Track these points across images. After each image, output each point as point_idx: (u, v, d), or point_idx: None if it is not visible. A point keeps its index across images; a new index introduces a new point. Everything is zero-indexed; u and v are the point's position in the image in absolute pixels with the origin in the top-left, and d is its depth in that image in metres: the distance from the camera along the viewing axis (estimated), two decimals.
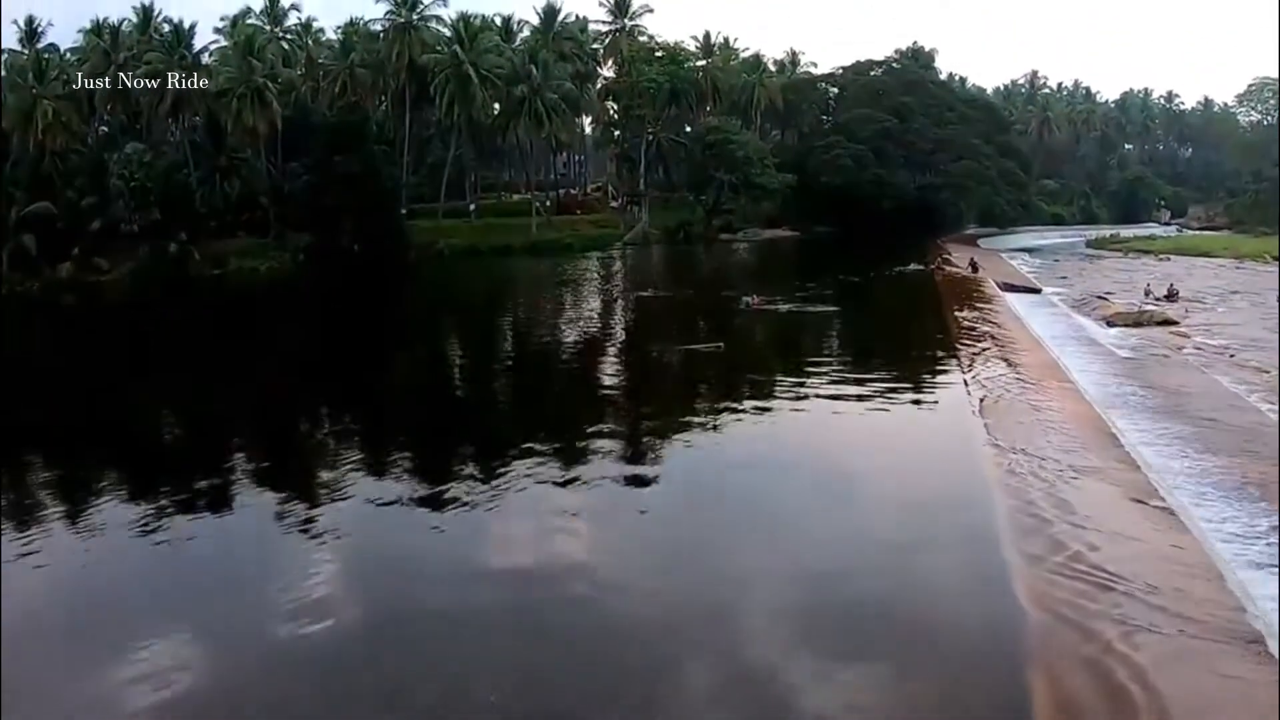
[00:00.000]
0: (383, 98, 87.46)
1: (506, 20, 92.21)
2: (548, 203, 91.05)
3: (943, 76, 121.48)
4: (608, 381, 28.46)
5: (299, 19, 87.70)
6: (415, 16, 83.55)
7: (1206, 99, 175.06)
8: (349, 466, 18.87)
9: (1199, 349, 35.97)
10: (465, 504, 16.09)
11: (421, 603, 12.39)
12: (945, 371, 27.85)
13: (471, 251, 73.37)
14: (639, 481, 17.50)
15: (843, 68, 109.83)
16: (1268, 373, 31.19)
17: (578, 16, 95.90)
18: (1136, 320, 42.17)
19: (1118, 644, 10.93)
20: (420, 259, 70.32)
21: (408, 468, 18.81)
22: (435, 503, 16.35)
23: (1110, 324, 41.48)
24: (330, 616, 11.87)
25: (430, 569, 13.60)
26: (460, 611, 12.06)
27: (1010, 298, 48.90)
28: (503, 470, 17.83)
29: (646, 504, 16.47)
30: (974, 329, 35.68)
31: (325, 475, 18.45)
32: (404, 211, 78.71)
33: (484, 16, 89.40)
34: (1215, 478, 18.64)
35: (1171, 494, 17.19)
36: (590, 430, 21.06)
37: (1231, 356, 34.38)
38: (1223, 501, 17.26)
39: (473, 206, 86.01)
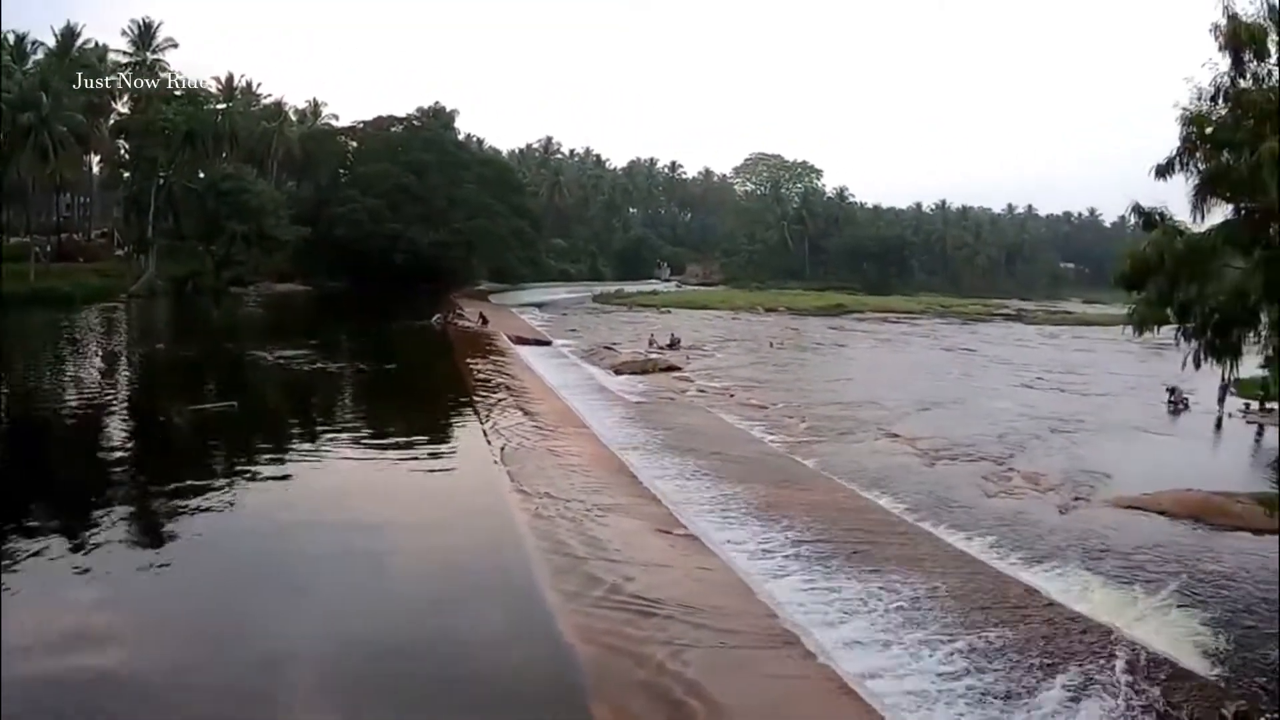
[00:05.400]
0: None
1: (21, 38, 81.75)
2: (48, 248, 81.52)
3: (462, 137, 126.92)
4: (113, 450, 25.19)
5: None
6: None
7: (707, 169, 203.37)
8: None
9: (702, 391, 39.97)
10: None
11: None
12: (464, 423, 28.10)
13: None
14: (153, 560, 15.42)
15: (364, 121, 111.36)
16: (765, 408, 35.30)
17: (97, 44, 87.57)
18: (643, 368, 45.98)
19: (669, 663, 11.48)
20: None
21: None
22: None
23: (618, 372, 44.78)
24: None
25: None
26: None
27: (523, 350, 51.05)
28: None
29: (165, 584, 14.50)
30: (489, 381, 36.59)
31: None
32: None
33: None
34: (729, 503, 20.73)
35: (692, 522, 18.74)
36: (96, 506, 18.28)
37: (731, 396, 38.59)
38: (738, 524, 19.20)
39: None
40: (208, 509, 18.22)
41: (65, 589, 13.70)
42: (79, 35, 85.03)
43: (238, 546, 16.27)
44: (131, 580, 14.33)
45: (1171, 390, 38.51)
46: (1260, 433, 34.84)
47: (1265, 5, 17.32)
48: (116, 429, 27.70)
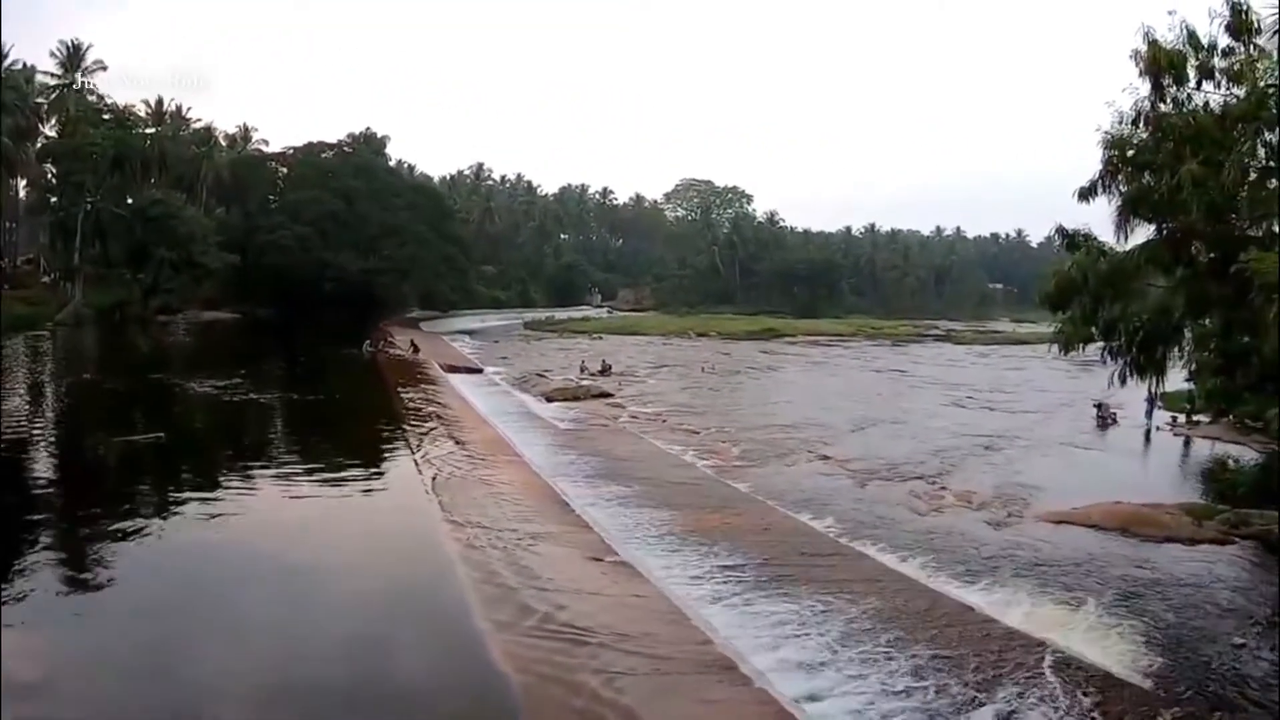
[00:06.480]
0: None
1: None
2: None
3: (393, 163, 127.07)
4: (38, 481, 24.48)
5: None
6: None
7: (638, 195, 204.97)
8: None
9: (634, 417, 39.96)
10: None
11: None
12: (395, 452, 27.74)
13: None
14: (76, 595, 14.95)
15: (294, 147, 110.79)
16: (698, 433, 35.36)
17: (25, 64, 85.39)
18: (575, 395, 45.92)
19: (603, 691, 11.35)
20: None
21: None
22: None
23: (550, 399, 44.65)
24: None
25: None
26: None
27: (454, 378, 50.64)
28: None
29: (87, 621, 14.03)
30: (420, 409, 36.23)
31: None
32: None
33: None
34: (662, 530, 20.68)
35: (625, 549, 18.63)
36: (22, 537, 17.68)
37: (664, 422, 38.59)
38: (671, 550, 19.15)
39: None
40: (134, 541, 17.76)
41: None
42: (6, 56, 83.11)
43: (163, 579, 15.83)
44: (54, 617, 13.90)
45: (1099, 405, 39.36)
46: (1187, 445, 35.70)
47: (1184, 32, 17.85)
48: (40, 461, 27.02)
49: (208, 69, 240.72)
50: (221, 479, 23.66)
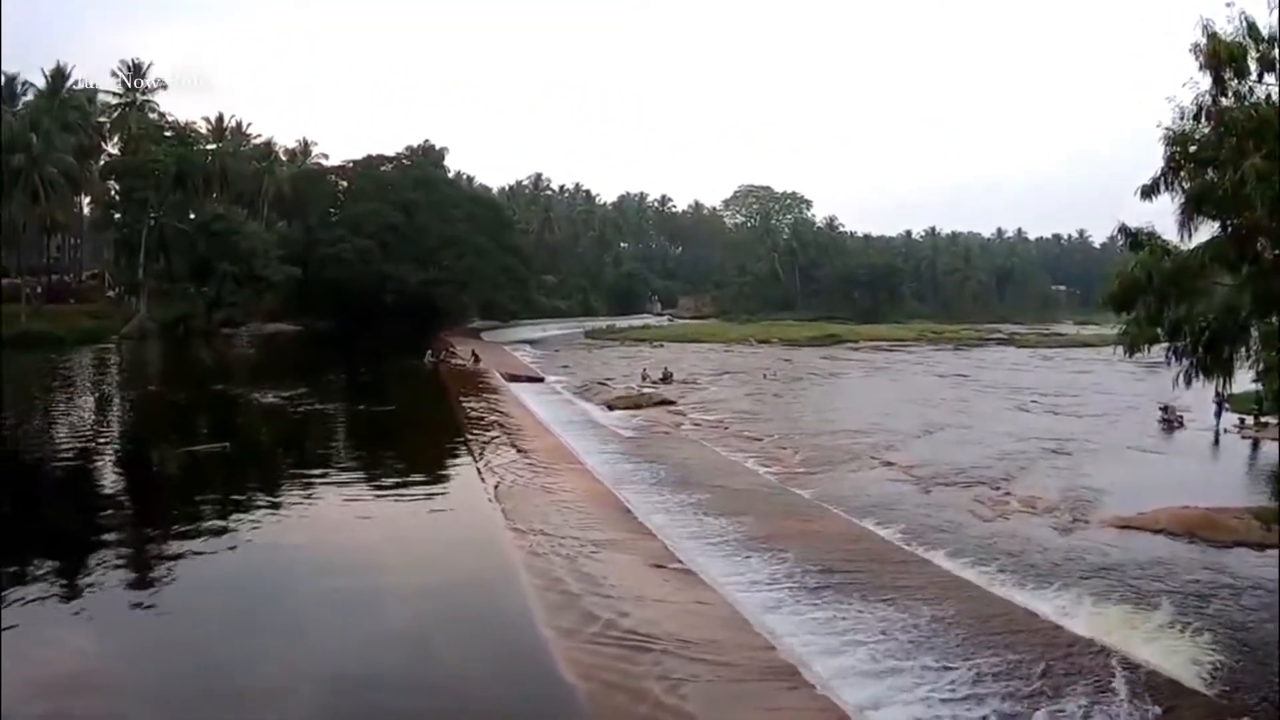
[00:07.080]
0: None
1: (11, 80, 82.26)
2: (39, 290, 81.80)
3: (452, 174, 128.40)
4: (106, 490, 25.18)
5: None
6: None
7: (696, 202, 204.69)
8: None
9: (696, 424, 39.91)
10: None
11: None
12: (458, 461, 28.09)
13: None
14: (148, 599, 15.34)
15: (354, 161, 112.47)
16: (760, 440, 35.26)
17: (88, 84, 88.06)
18: (636, 403, 45.92)
19: (666, 698, 11.43)
20: None
21: None
22: None
23: (612, 407, 44.70)
24: None
25: None
26: None
27: (515, 387, 51.00)
28: None
29: (157, 627, 14.40)
30: (483, 419, 36.61)
31: None
32: None
33: None
34: (724, 536, 20.64)
35: (688, 556, 18.69)
36: (90, 545, 18.18)
37: (726, 429, 38.53)
38: (734, 557, 19.10)
39: None
40: (200, 549, 18.16)
41: (58, 631, 13.62)
42: (69, 76, 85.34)
43: (230, 587, 16.22)
44: (124, 623, 14.27)
45: (1165, 408, 38.63)
46: (1255, 447, 34.93)
47: (1244, 24, 17.48)
48: (109, 470, 27.71)
49: (268, 80, 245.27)
50: (286, 488, 24.11)
